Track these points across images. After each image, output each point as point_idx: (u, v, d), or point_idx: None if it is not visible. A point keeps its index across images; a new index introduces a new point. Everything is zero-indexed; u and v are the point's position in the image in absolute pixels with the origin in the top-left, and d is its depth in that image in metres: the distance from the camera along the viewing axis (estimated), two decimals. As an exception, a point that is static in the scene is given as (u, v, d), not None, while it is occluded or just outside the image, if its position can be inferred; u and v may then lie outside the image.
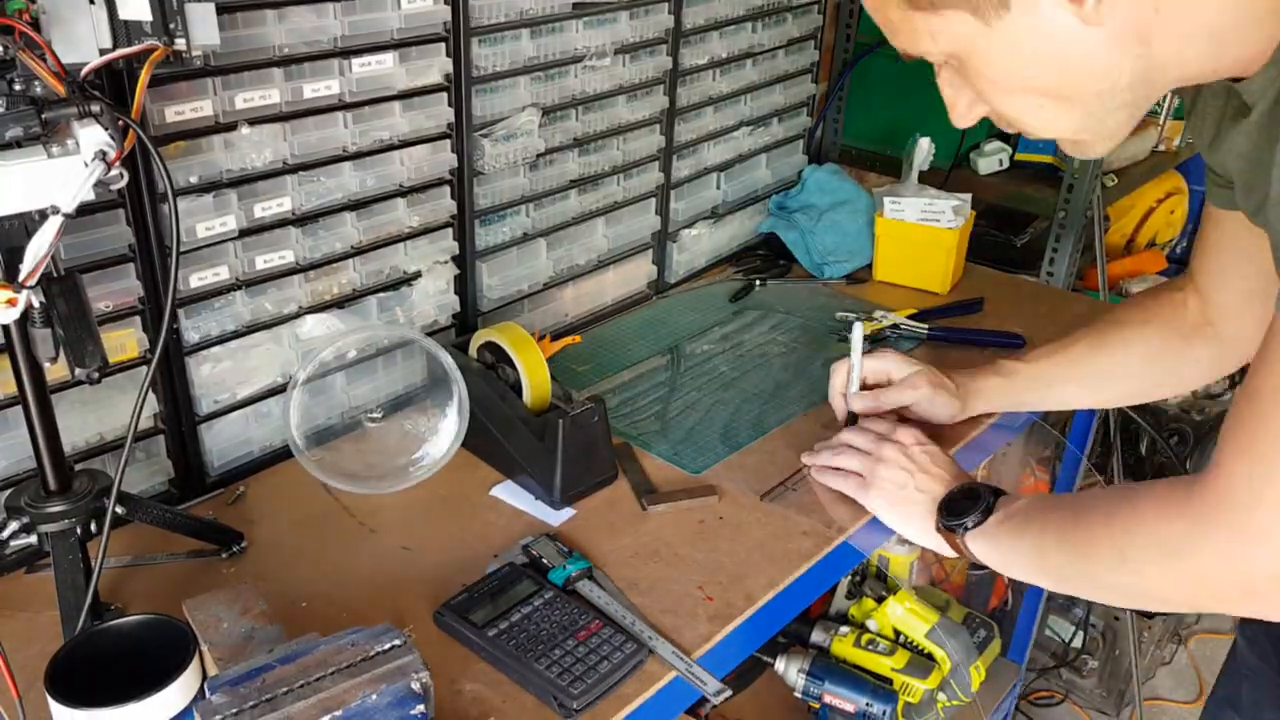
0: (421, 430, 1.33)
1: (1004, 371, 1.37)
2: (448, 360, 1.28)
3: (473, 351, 1.35)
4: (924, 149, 1.80)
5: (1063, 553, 1.00)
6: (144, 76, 0.88)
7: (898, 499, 1.19)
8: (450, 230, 1.41)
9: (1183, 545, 0.86)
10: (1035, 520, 1.05)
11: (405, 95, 1.29)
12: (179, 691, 0.82)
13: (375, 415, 1.37)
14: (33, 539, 0.99)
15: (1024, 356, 1.38)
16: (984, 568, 1.12)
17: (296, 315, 1.28)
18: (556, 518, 1.22)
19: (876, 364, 1.36)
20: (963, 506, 1.12)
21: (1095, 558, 0.96)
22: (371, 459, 1.30)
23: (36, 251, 0.84)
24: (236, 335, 1.23)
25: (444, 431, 1.30)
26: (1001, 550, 1.07)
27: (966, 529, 1.10)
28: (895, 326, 1.67)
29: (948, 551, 1.14)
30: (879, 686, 1.68)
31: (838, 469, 1.26)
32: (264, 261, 1.22)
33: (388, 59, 1.25)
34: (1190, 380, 1.30)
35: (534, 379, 1.27)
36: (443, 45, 1.31)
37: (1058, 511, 1.03)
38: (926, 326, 1.66)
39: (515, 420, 1.25)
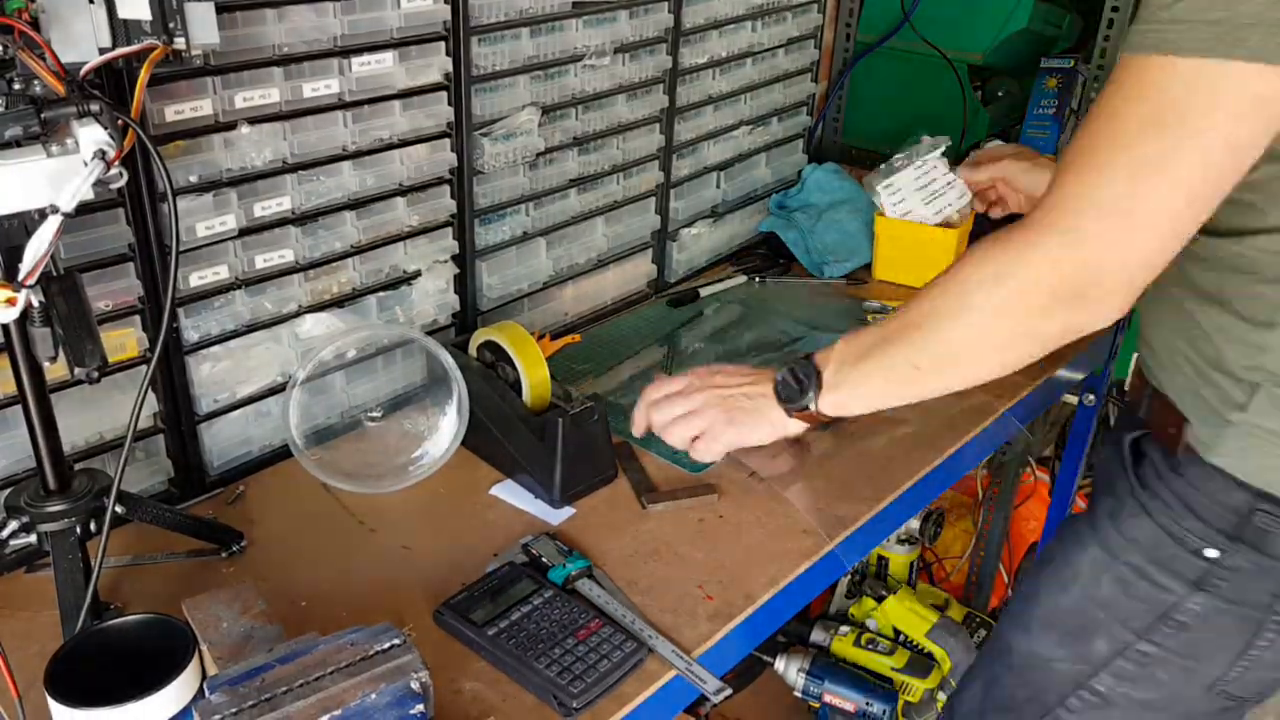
0: (421, 429, 1.33)
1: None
2: (447, 359, 1.28)
3: (472, 350, 1.35)
4: (929, 145, 1.76)
5: (906, 342, 1.05)
6: (143, 76, 0.88)
7: (740, 416, 1.20)
8: (450, 229, 1.41)
9: (1015, 262, 0.94)
10: (865, 338, 1.10)
11: (405, 94, 1.29)
12: (178, 691, 0.82)
13: (375, 414, 1.37)
14: (32, 538, 0.99)
15: None
16: (838, 421, 1.15)
17: (296, 314, 1.28)
18: (556, 517, 1.22)
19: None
20: (794, 385, 1.15)
21: (938, 324, 1.02)
22: (371, 458, 1.30)
23: (36, 251, 0.84)
24: (236, 334, 1.23)
25: (444, 430, 1.30)
26: (852, 389, 1.11)
27: (813, 398, 1.13)
28: None
29: (799, 428, 1.17)
30: (879, 686, 1.68)
31: (675, 421, 1.24)
32: (264, 261, 1.22)
33: (387, 58, 1.25)
34: None
35: (533, 378, 1.27)
36: (442, 44, 1.31)
37: (889, 322, 1.08)
38: None
39: (515, 419, 1.25)
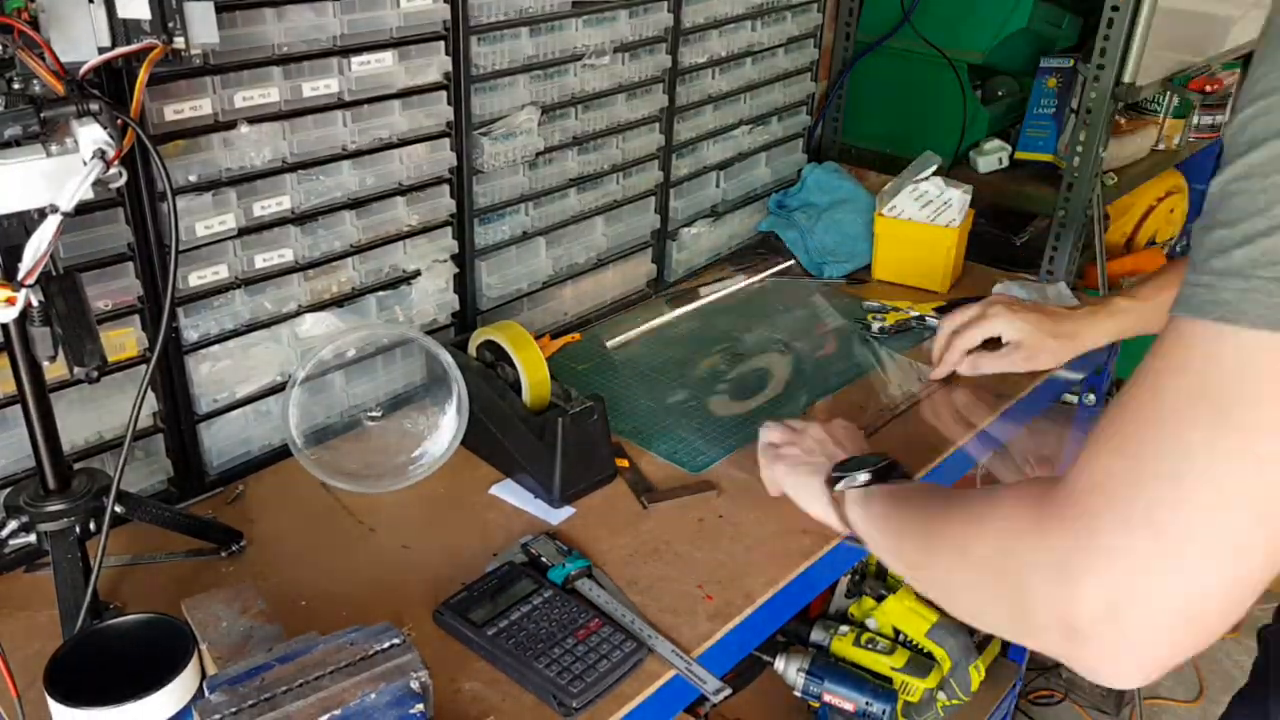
0: (421, 429, 1.33)
1: (1115, 313, 1.39)
2: (447, 359, 1.28)
3: (472, 350, 1.35)
4: (919, 165, 1.79)
5: (917, 539, 0.89)
6: (143, 75, 0.88)
7: (799, 465, 1.16)
8: (449, 229, 1.41)
9: (1018, 550, 0.70)
10: (907, 500, 0.95)
11: (404, 94, 1.29)
12: (178, 691, 0.82)
13: (374, 414, 1.37)
14: (32, 538, 0.99)
15: (1133, 293, 1.42)
16: (860, 542, 1.05)
17: (296, 314, 1.28)
18: (556, 516, 1.22)
19: (990, 326, 1.43)
20: (851, 465, 1.07)
21: (942, 549, 0.83)
22: (371, 458, 1.30)
23: (35, 250, 0.84)
24: (236, 334, 1.23)
25: (443, 430, 1.30)
26: (871, 520, 1.00)
27: (848, 485, 1.04)
28: (920, 318, 1.67)
29: (835, 522, 1.08)
30: (879, 685, 1.68)
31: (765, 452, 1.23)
32: (263, 260, 1.22)
33: (387, 57, 1.25)
34: None
35: (533, 378, 1.27)
36: (442, 44, 1.30)
37: (936, 500, 0.90)
38: None
39: (514, 419, 1.25)
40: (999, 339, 1.47)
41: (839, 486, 1.06)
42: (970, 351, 1.47)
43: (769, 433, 1.24)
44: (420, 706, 0.82)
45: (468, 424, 1.28)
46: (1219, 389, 0.60)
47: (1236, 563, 0.60)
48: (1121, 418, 0.65)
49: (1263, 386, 0.59)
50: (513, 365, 1.28)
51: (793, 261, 1.89)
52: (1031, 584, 0.67)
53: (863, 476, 1.04)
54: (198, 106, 1.11)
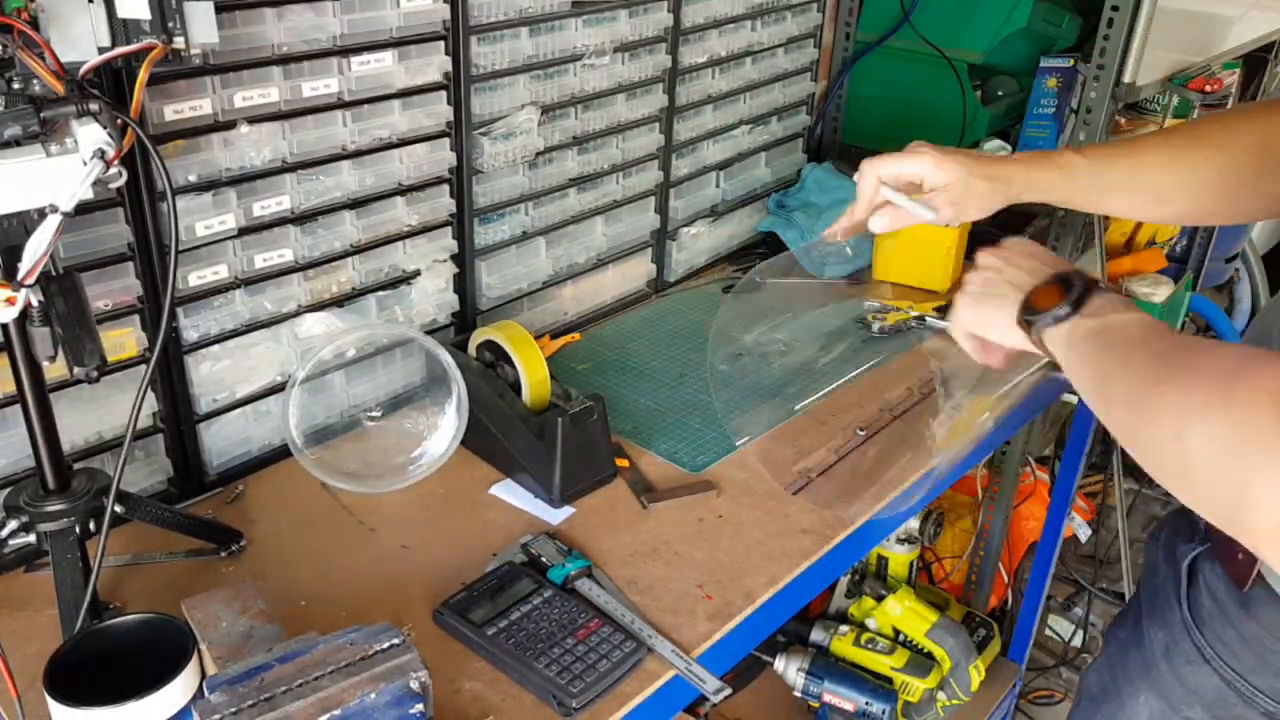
0: (420, 429, 1.33)
1: (1063, 165, 1.21)
2: (447, 359, 1.28)
3: (471, 350, 1.35)
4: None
5: (1129, 400, 0.81)
6: (142, 75, 0.88)
7: (982, 296, 1.02)
8: (449, 229, 1.41)
9: (1249, 453, 0.66)
10: (1116, 349, 0.86)
11: (404, 94, 1.29)
12: (178, 690, 0.82)
13: (374, 414, 1.37)
14: (31, 538, 0.99)
15: (1083, 151, 1.22)
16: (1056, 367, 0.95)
17: (296, 314, 1.28)
18: (555, 516, 1.22)
19: (913, 162, 1.24)
20: (1054, 295, 0.93)
21: (1159, 422, 0.76)
22: (370, 458, 1.30)
23: (35, 250, 0.84)
24: (236, 334, 1.23)
25: (443, 430, 1.30)
26: (1077, 361, 0.89)
27: (1045, 324, 0.92)
28: (920, 318, 1.67)
29: (1023, 344, 0.98)
30: (878, 685, 1.68)
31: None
32: (263, 260, 1.22)
33: (387, 57, 1.25)
34: (1248, 213, 1.18)
35: (533, 378, 1.27)
36: (442, 44, 1.30)
37: (1149, 346, 0.83)
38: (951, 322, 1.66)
39: (514, 419, 1.25)
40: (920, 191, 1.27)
41: (1034, 331, 0.93)
42: (885, 203, 1.26)
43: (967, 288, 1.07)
44: (420, 706, 0.82)
45: (468, 424, 1.28)
46: None
47: None
48: None
49: None
50: (513, 365, 1.28)
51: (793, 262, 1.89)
52: (1257, 487, 0.65)
53: (1056, 314, 0.91)
54: (197, 106, 1.11)
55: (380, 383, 1.38)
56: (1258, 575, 0.87)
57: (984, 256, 1.05)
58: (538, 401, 1.28)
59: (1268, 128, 1.11)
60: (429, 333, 1.41)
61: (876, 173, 1.25)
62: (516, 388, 1.28)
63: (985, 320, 1.01)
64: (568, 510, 1.23)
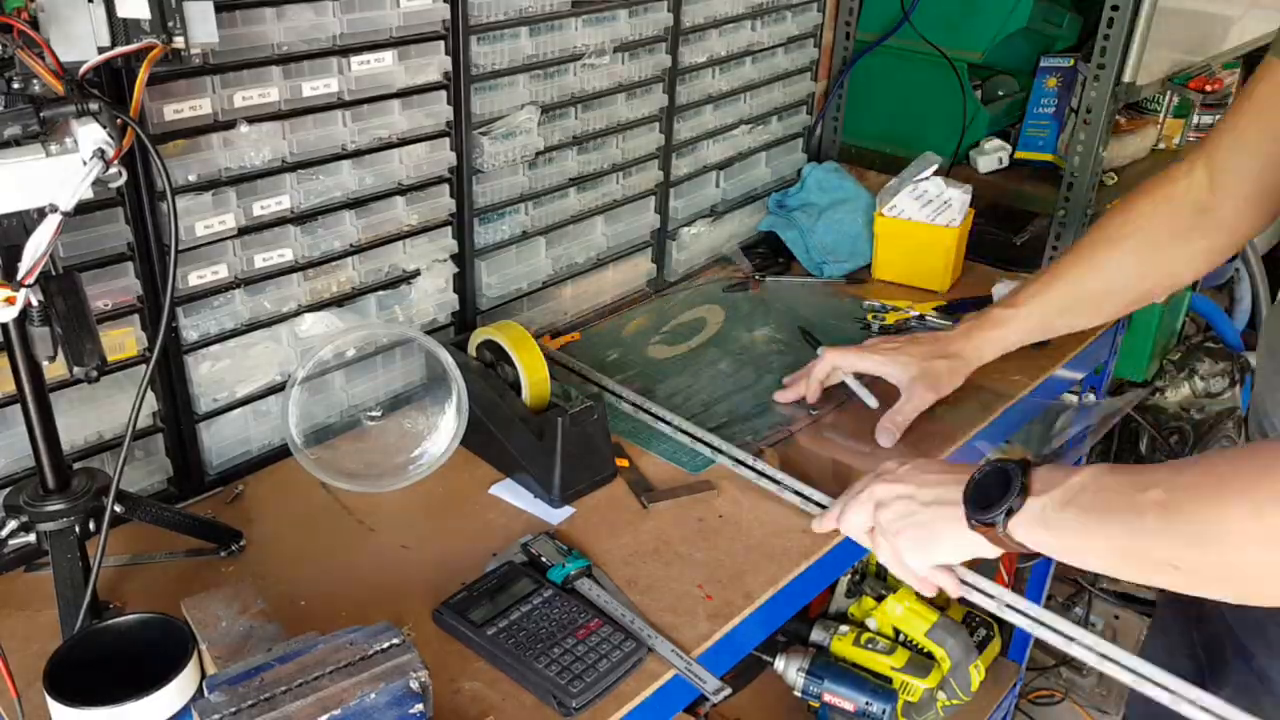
0: (420, 428, 1.33)
1: (999, 322, 1.35)
2: (447, 358, 1.28)
3: (471, 350, 1.35)
4: (919, 165, 1.79)
5: (1169, 527, 0.79)
6: (142, 74, 0.88)
7: (914, 528, 1.00)
8: (449, 228, 1.41)
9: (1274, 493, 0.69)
10: (1111, 493, 0.84)
11: (404, 93, 1.29)
12: (177, 690, 0.82)
13: (374, 414, 1.37)
14: (31, 538, 0.99)
15: (1013, 300, 1.36)
16: (1037, 557, 0.95)
17: (296, 314, 1.28)
18: (555, 516, 1.22)
19: (872, 366, 1.38)
20: (991, 494, 0.91)
21: (1222, 526, 0.75)
22: (370, 457, 1.30)
23: (35, 250, 0.84)
24: (235, 334, 1.23)
25: (443, 430, 1.29)
26: (1069, 533, 0.87)
27: (1007, 516, 0.89)
28: (921, 318, 1.68)
29: (994, 551, 0.95)
30: (878, 685, 1.68)
31: (861, 534, 1.11)
32: (263, 260, 1.22)
33: (387, 57, 1.25)
34: (1184, 275, 1.28)
35: (533, 377, 1.27)
36: (442, 43, 1.30)
37: (1148, 479, 0.82)
38: (952, 321, 1.67)
39: (514, 419, 1.25)
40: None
41: (998, 524, 0.90)
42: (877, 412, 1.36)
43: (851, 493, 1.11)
44: (420, 706, 0.82)
45: (468, 424, 1.28)
46: None
47: None
48: None
49: None
50: (513, 365, 1.28)
51: (793, 261, 1.89)
52: None
53: (1012, 503, 0.89)
54: (197, 106, 1.11)
55: (380, 382, 1.38)
56: None
57: (881, 489, 1.04)
58: (538, 401, 1.28)
59: (1161, 195, 1.21)
60: (429, 333, 1.41)
61: (835, 364, 1.39)
62: (517, 387, 1.28)
63: (933, 549, 0.99)
64: (568, 510, 1.23)
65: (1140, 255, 1.24)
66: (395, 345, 1.38)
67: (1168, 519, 0.79)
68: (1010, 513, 0.89)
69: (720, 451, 1.31)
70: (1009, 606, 1.05)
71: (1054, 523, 0.87)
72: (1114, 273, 1.26)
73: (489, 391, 1.28)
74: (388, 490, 1.25)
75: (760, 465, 1.28)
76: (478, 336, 1.34)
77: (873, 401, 1.40)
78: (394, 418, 1.38)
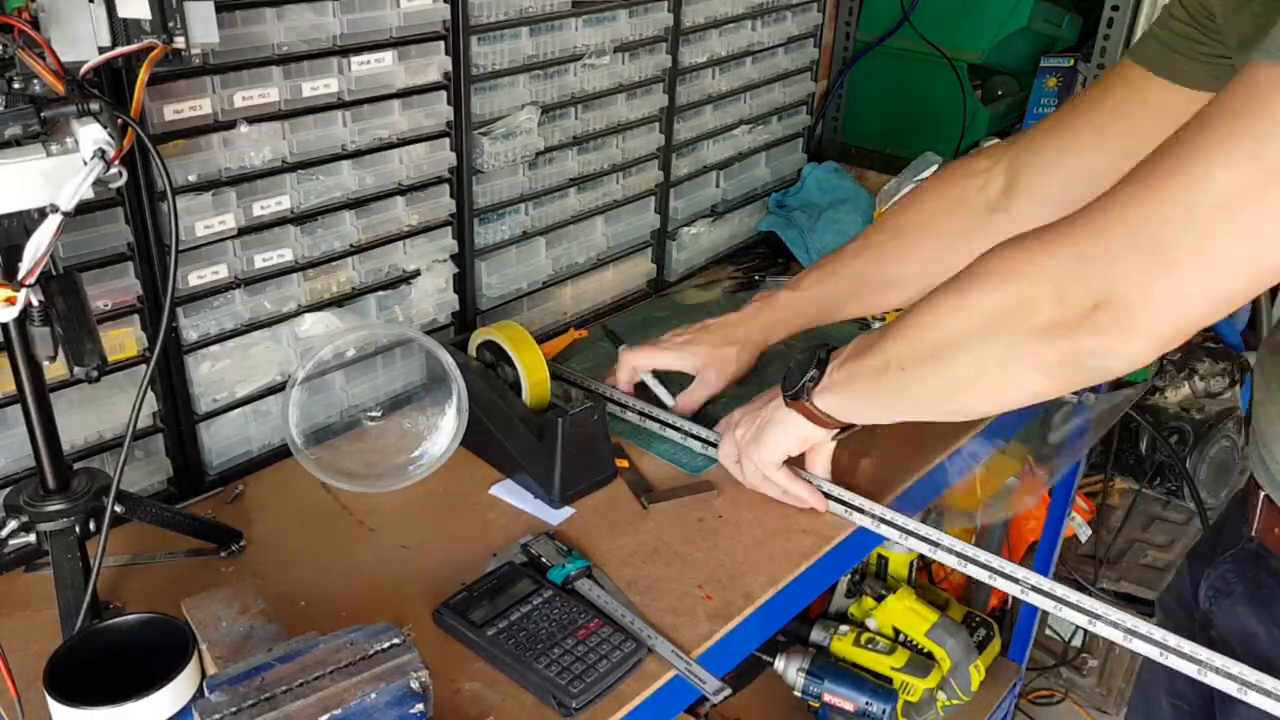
0: (420, 429, 1.33)
1: (783, 306, 1.36)
2: (447, 359, 1.28)
3: (471, 350, 1.35)
4: (920, 165, 1.79)
5: (901, 336, 0.92)
6: (143, 75, 0.88)
7: (756, 430, 1.16)
8: (449, 229, 1.41)
9: (1024, 262, 0.78)
10: (870, 342, 0.98)
11: (404, 93, 1.29)
12: (178, 690, 0.82)
13: (374, 414, 1.37)
14: (31, 538, 0.99)
15: (798, 283, 1.37)
16: (851, 428, 1.08)
17: (296, 314, 1.28)
18: (555, 516, 1.22)
19: (667, 361, 1.39)
20: (796, 373, 1.06)
21: (935, 317, 0.88)
22: (370, 457, 1.30)
23: (35, 250, 0.84)
24: (235, 334, 1.23)
25: (443, 430, 1.29)
26: (844, 388, 1.00)
27: (809, 388, 1.02)
28: None
29: (817, 431, 1.08)
30: (879, 685, 1.68)
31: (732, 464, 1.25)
32: (263, 260, 1.22)
33: (387, 57, 1.25)
34: None
35: (533, 378, 1.27)
36: (442, 43, 1.30)
37: (893, 325, 0.96)
38: None
39: (514, 419, 1.25)
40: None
41: (803, 396, 1.03)
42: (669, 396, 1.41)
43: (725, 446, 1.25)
44: (420, 706, 0.82)
45: (468, 424, 1.28)
46: (1267, 126, 0.64)
47: (1224, 282, 0.68)
48: (1158, 155, 0.71)
49: None
50: (513, 365, 1.28)
51: (792, 261, 1.89)
52: (1042, 301, 0.76)
53: (812, 378, 1.03)
54: (197, 106, 1.11)
55: (380, 382, 1.38)
56: None
57: (736, 414, 1.23)
58: (538, 402, 1.28)
59: (956, 190, 1.20)
60: (429, 333, 1.41)
61: (632, 364, 1.40)
62: (517, 388, 1.28)
63: (770, 439, 1.12)
64: (567, 510, 1.23)
65: (925, 249, 1.22)
66: (395, 345, 1.38)
67: (906, 322, 0.93)
68: (812, 385, 1.02)
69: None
70: (880, 519, 1.18)
71: (837, 384, 1.00)
72: (897, 264, 1.25)
73: (489, 392, 1.28)
74: (387, 490, 1.25)
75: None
76: (478, 337, 1.34)
77: (669, 400, 1.40)
78: (394, 418, 1.38)
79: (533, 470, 1.24)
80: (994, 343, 0.84)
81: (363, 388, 1.36)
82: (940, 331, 0.89)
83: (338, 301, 1.32)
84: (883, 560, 1.89)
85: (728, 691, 1.01)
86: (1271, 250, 0.67)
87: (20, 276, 0.84)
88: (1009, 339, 0.82)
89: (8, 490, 1.03)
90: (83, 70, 0.86)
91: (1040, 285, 0.77)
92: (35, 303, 0.87)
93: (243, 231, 1.19)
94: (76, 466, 1.02)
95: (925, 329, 0.90)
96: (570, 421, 1.21)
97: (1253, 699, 0.89)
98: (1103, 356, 0.76)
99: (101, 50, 0.87)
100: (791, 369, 1.07)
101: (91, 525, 1.00)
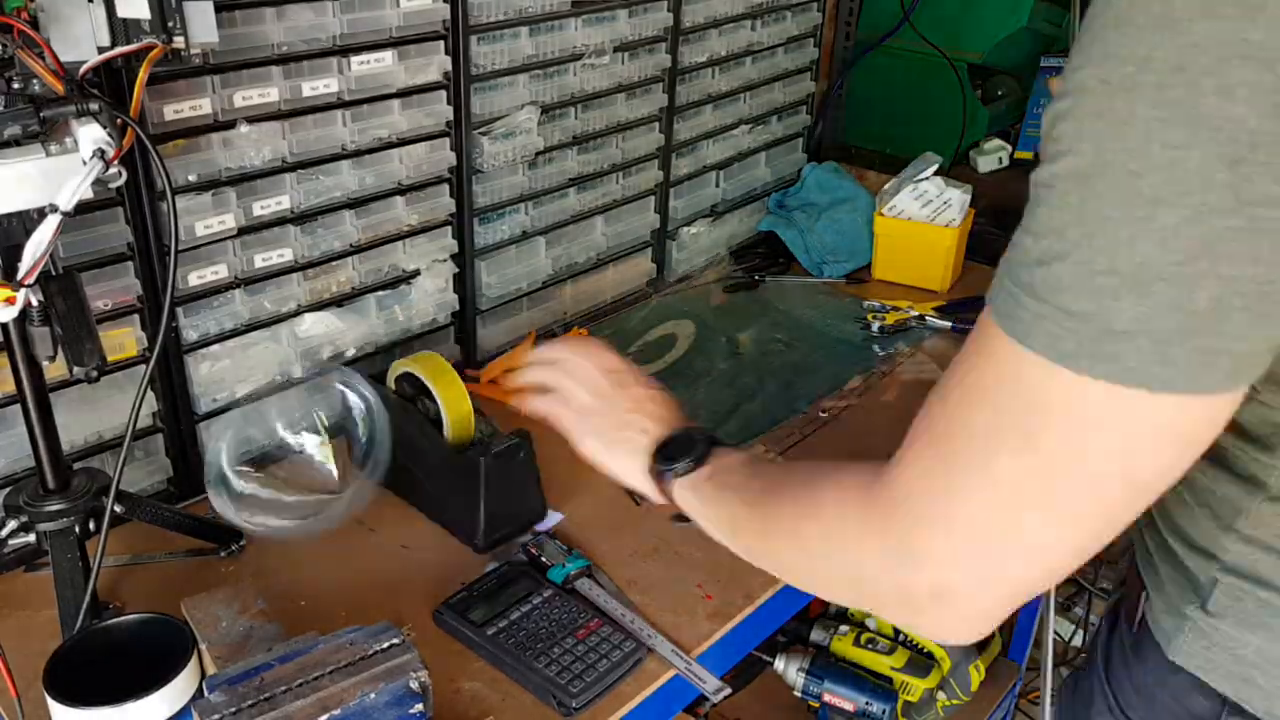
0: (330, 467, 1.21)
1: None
2: (354, 400, 1.15)
3: (390, 383, 1.25)
4: (919, 165, 1.79)
5: (751, 522, 0.90)
6: (142, 74, 0.88)
7: (615, 444, 1.03)
8: (449, 228, 1.41)
9: (849, 543, 0.75)
10: (737, 481, 0.93)
11: (404, 93, 1.29)
12: (177, 690, 0.82)
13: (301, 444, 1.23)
14: (31, 538, 0.99)
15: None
16: (685, 518, 1.00)
17: (296, 313, 1.28)
18: (555, 517, 1.21)
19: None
20: (675, 451, 0.98)
21: (777, 534, 0.86)
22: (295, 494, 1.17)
23: (35, 250, 0.84)
24: (235, 334, 1.23)
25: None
26: (703, 504, 0.96)
27: (675, 474, 0.97)
28: (921, 318, 1.68)
29: (655, 496, 1.00)
30: (878, 685, 1.68)
31: (540, 397, 1.07)
32: (263, 260, 1.22)
33: (386, 57, 1.25)
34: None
35: (454, 413, 1.18)
36: (442, 43, 1.30)
37: (759, 479, 0.91)
38: (951, 321, 1.67)
39: (434, 458, 1.17)
40: None
41: (666, 477, 0.98)
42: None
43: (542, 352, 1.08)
44: (420, 706, 0.82)
45: (388, 464, 1.13)
46: (1021, 414, 0.61)
47: (1044, 559, 0.66)
48: (939, 421, 0.68)
49: (1054, 416, 0.60)
50: (433, 399, 1.19)
51: (792, 261, 1.89)
52: (865, 570, 0.74)
53: (684, 466, 0.97)
54: (197, 106, 1.11)
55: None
56: (1142, 618, 0.87)
57: (581, 369, 1.05)
58: (460, 438, 1.18)
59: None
60: (429, 332, 1.41)
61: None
62: (438, 423, 1.18)
63: (608, 460, 1.03)
64: (556, 516, 1.22)
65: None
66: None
67: (751, 513, 0.90)
68: (678, 473, 0.97)
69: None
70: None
71: (700, 490, 0.96)
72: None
73: (408, 428, 1.17)
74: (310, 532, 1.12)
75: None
76: (396, 369, 1.24)
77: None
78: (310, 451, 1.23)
79: (455, 513, 1.17)
80: (835, 586, 0.83)
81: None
82: (781, 559, 0.88)
83: (338, 301, 1.32)
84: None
85: (727, 691, 1.01)
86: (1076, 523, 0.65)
87: (20, 276, 0.84)
88: (849, 589, 0.80)
89: (8, 490, 1.03)
90: (82, 70, 0.86)
91: (878, 573, 0.73)
92: (35, 303, 0.87)
93: (243, 231, 1.19)
94: (76, 466, 1.02)
95: (771, 540, 0.88)
96: (494, 460, 1.13)
97: None
98: (939, 634, 0.73)
99: (101, 50, 0.88)
100: (676, 438, 1.00)
101: (91, 525, 1.00)
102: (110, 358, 0.99)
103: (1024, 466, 0.63)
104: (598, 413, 1.04)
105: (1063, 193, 0.55)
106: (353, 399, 1.15)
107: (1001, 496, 0.64)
